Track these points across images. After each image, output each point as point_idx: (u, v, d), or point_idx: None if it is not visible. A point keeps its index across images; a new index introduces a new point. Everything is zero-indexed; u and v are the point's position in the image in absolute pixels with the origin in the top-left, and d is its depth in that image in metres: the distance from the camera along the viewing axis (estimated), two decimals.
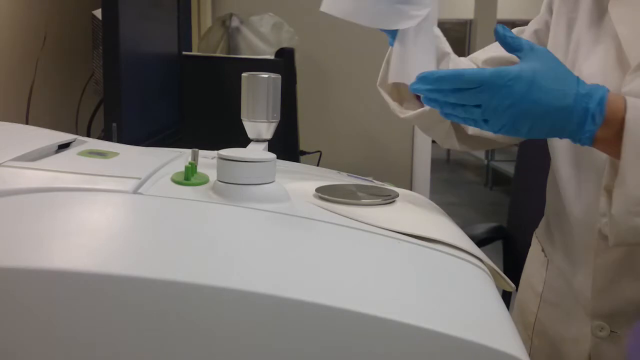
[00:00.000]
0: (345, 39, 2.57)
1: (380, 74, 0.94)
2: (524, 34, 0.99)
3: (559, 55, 0.89)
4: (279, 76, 0.88)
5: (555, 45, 0.91)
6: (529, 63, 0.71)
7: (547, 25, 0.95)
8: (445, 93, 0.72)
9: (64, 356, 0.48)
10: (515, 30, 1.02)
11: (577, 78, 0.73)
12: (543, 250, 1.02)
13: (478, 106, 0.71)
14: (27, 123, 1.38)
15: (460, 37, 8.89)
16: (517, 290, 1.11)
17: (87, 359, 0.48)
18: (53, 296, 0.47)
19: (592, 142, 0.73)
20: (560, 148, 0.90)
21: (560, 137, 0.74)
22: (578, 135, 0.72)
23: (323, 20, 2.54)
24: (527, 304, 1.03)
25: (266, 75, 0.86)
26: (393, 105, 0.94)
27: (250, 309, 0.48)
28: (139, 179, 0.67)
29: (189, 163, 0.73)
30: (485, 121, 0.72)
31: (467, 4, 8.62)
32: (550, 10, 0.95)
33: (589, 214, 0.85)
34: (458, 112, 0.73)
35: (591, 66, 0.84)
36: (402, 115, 0.93)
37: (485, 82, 0.70)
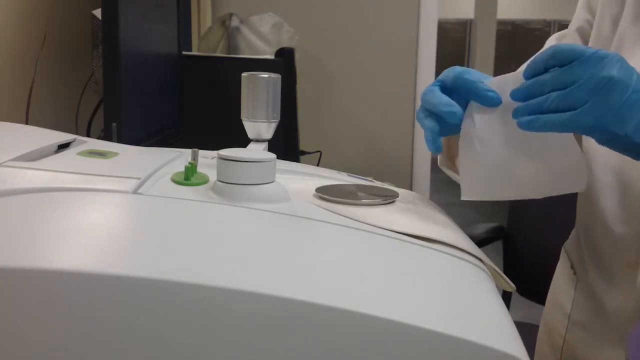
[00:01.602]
0: (346, 38, 2.58)
1: (440, 156, 0.88)
2: (567, 37, 0.95)
3: (599, 46, 0.84)
4: (279, 76, 0.88)
5: (598, 41, 0.87)
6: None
7: (589, 24, 0.91)
8: (543, 83, 0.66)
9: (64, 356, 0.48)
10: (556, 36, 0.98)
11: None
12: (572, 267, 0.95)
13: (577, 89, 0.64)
14: (27, 123, 1.38)
15: (460, 37, 8.88)
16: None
17: (86, 359, 0.48)
18: (52, 296, 0.47)
19: None
20: (600, 154, 0.84)
21: None
22: None
23: (323, 20, 2.56)
24: (555, 324, 0.97)
25: (266, 75, 0.86)
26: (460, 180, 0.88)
27: (250, 309, 0.48)
28: (139, 179, 0.67)
29: (189, 163, 0.73)
30: (586, 112, 0.64)
31: (467, 4, 8.61)
32: (589, 9, 0.91)
33: (633, 227, 0.80)
34: (556, 102, 0.66)
35: (636, 65, 0.78)
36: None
37: (581, 56, 0.64)
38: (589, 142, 0.85)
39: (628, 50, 0.82)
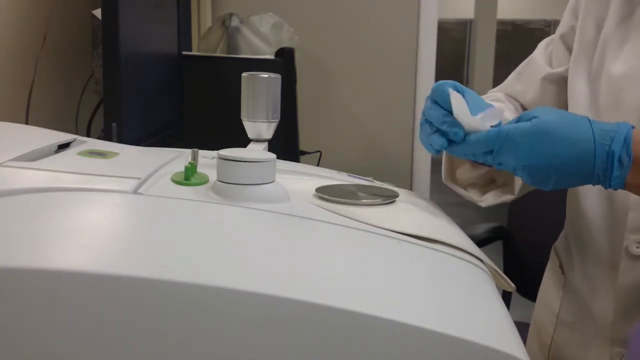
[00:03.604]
0: (346, 38, 2.57)
1: (443, 171, 0.89)
2: (553, 43, 0.97)
3: (587, 56, 0.87)
4: (279, 76, 0.88)
5: (582, 45, 0.88)
6: (535, 118, 0.68)
7: (572, 30, 0.92)
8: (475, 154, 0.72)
9: (64, 356, 0.48)
10: (544, 44, 1.01)
11: (589, 120, 0.68)
12: (561, 267, 0.96)
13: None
14: (27, 123, 1.38)
15: (460, 37, 8.88)
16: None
17: (86, 359, 0.48)
18: (53, 296, 0.47)
19: (624, 186, 0.67)
20: None
21: (593, 184, 0.69)
22: (607, 181, 0.67)
23: (323, 20, 2.56)
24: (543, 324, 0.98)
25: (266, 75, 0.86)
26: (467, 195, 0.88)
27: (251, 309, 0.48)
28: (139, 179, 0.67)
29: (189, 163, 0.73)
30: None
31: (467, 4, 8.60)
32: (574, 14, 0.92)
33: (615, 230, 0.81)
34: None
35: (620, 67, 0.81)
36: (482, 204, 0.87)
37: (493, 144, 0.69)
38: None
39: (613, 52, 0.83)
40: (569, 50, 0.93)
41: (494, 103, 0.84)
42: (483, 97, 1.01)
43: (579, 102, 0.87)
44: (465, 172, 0.88)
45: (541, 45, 1.01)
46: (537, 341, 0.99)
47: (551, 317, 0.96)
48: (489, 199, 0.85)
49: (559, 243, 1.00)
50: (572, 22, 0.93)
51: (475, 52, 8.50)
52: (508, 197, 0.85)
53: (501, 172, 0.84)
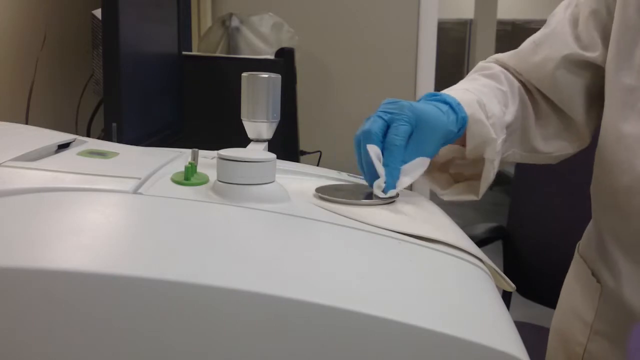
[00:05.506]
0: (345, 38, 2.58)
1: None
2: (581, 18, 0.85)
3: (631, 45, 0.77)
4: (279, 76, 0.88)
5: (622, 29, 0.78)
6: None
7: (607, 7, 0.82)
8: None
9: (64, 356, 0.48)
10: (563, 5, 0.89)
11: None
12: (594, 275, 0.89)
13: None
14: (27, 123, 1.38)
15: (460, 37, 8.88)
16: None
17: (86, 359, 0.48)
18: (53, 296, 0.47)
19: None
20: None
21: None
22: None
23: (323, 20, 2.56)
24: (572, 332, 0.92)
25: (266, 75, 0.86)
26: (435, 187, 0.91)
27: (251, 309, 0.48)
28: (139, 179, 0.67)
29: (189, 163, 0.73)
30: None
31: (467, 4, 8.61)
32: None
33: None
34: None
35: None
36: (446, 198, 0.89)
37: None
38: (631, 137, 0.78)
39: None
40: (600, 31, 0.83)
41: (481, 89, 0.87)
42: (482, 63, 1.00)
43: (620, 99, 0.79)
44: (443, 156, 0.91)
45: (559, 11, 0.89)
46: (564, 351, 0.95)
47: (582, 327, 0.91)
48: (450, 193, 0.89)
49: (585, 247, 0.94)
50: None
51: (475, 52, 8.49)
52: (470, 197, 0.88)
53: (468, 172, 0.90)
